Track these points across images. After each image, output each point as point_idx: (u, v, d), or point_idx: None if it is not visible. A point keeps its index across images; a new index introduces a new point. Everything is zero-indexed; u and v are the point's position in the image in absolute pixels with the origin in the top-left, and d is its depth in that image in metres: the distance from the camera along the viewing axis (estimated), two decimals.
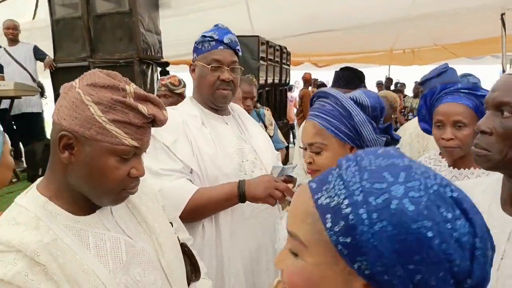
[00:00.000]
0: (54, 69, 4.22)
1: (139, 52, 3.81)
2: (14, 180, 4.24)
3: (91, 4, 3.91)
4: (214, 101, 1.45)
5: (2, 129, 4.25)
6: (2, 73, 4.27)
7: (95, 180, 0.78)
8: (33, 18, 6.32)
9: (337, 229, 0.47)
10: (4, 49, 4.51)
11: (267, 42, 4.90)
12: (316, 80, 9.45)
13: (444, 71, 1.91)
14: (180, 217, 1.21)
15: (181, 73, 6.85)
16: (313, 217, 0.50)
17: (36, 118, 4.66)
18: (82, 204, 0.82)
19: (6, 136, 1.26)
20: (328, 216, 0.48)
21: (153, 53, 4.07)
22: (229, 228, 1.37)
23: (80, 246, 0.77)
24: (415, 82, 7.08)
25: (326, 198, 0.49)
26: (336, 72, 2.33)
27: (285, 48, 6.03)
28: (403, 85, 9.92)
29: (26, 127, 4.53)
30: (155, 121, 0.81)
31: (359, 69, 2.40)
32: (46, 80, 4.88)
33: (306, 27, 5.99)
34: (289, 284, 0.53)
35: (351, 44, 7.71)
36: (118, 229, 0.86)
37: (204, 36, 1.43)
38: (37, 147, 4.23)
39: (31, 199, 0.79)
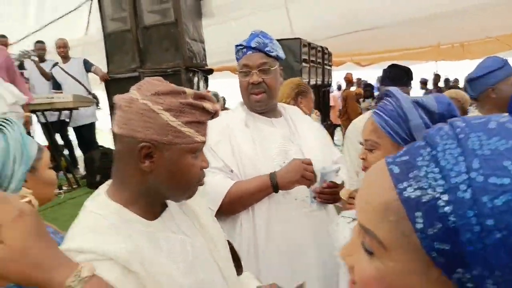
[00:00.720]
0: (108, 80, 4.49)
1: (185, 61, 3.95)
2: (74, 186, 4.55)
3: (139, 16, 4.11)
4: (251, 106, 1.49)
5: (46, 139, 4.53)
6: (61, 89, 4.61)
7: (177, 180, 0.82)
8: (85, 33, 6.77)
9: (431, 232, 0.37)
10: (59, 66, 4.85)
11: (309, 44, 4.90)
12: (359, 79, 9.26)
13: (506, 62, 1.82)
14: (219, 210, 1.27)
15: (224, 79, 7.02)
16: (396, 213, 0.40)
17: (92, 128, 4.97)
18: (152, 209, 0.85)
19: (45, 150, 1.24)
20: (419, 214, 0.38)
21: (198, 61, 4.20)
22: (265, 228, 1.39)
23: (156, 250, 0.80)
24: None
25: (415, 190, 0.39)
26: (384, 70, 2.30)
27: (326, 49, 5.99)
28: (457, 81, 9.32)
29: (84, 136, 4.84)
30: (214, 115, 0.86)
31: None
32: (98, 91, 5.21)
33: (347, 26, 5.92)
34: (362, 286, 0.46)
35: (395, 41, 7.50)
36: (180, 231, 0.89)
37: (237, 46, 1.50)
38: (95, 155, 4.51)
39: (104, 206, 0.81)
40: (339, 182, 1.39)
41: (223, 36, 4.63)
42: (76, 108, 4.51)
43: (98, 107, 5.00)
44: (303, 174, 1.33)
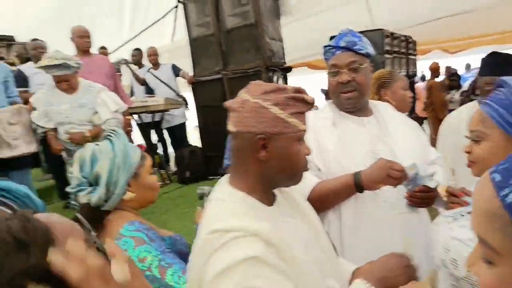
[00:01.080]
0: (194, 83, 4.81)
1: (265, 61, 4.08)
2: (167, 182, 4.97)
3: (221, 21, 4.34)
4: (341, 105, 1.48)
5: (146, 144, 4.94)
6: (153, 94, 5.06)
7: (289, 165, 0.93)
8: (172, 40, 7.27)
9: None
10: (151, 72, 5.30)
11: (391, 34, 4.70)
12: (449, 67, 8.55)
13: None
14: None
15: (302, 75, 7.02)
16: (501, 220, 0.41)
17: (182, 127, 5.36)
18: (268, 196, 0.96)
19: (148, 158, 1.29)
20: None
21: (277, 60, 4.30)
22: (352, 228, 1.37)
23: (280, 232, 0.88)
24: None
25: None
26: (482, 58, 2.13)
27: (410, 37, 5.66)
28: None
29: (176, 135, 5.24)
30: (312, 106, 0.96)
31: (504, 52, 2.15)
32: (186, 93, 5.59)
33: (432, 12, 5.54)
34: None
35: (488, 24, 6.80)
36: (292, 216, 0.98)
37: (325, 47, 1.48)
38: (184, 153, 4.86)
39: (231, 194, 0.91)
40: (433, 186, 1.31)
41: (300, 33, 4.66)
42: (167, 110, 4.90)
43: (187, 108, 5.38)
44: (389, 173, 1.26)
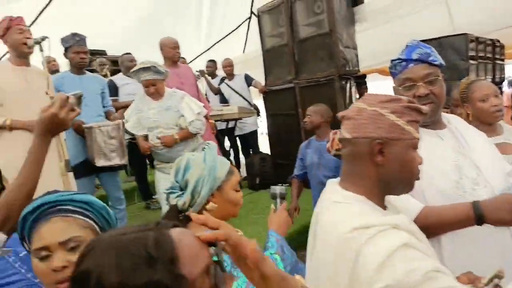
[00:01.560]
0: (266, 93, 4.92)
1: (338, 69, 4.04)
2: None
3: (295, 31, 4.39)
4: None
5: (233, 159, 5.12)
6: (227, 103, 5.28)
7: (403, 171, 0.96)
8: (243, 51, 7.52)
9: None
10: (225, 83, 5.52)
11: (476, 38, 4.39)
12: None
13: None
14: None
15: (374, 82, 6.82)
16: None
17: (254, 135, 5.50)
18: (382, 203, 1.01)
19: (236, 174, 1.34)
20: None
21: (350, 68, 4.23)
22: (451, 247, 1.28)
23: None
24: None
25: None
26: None
27: (498, 41, 5.23)
28: None
29: (248, 143, 5.39)
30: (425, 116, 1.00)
31: None
32: (257, 101, 5.75)
33: None
34: None
35: None
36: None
37: (393, 61, 1.43)
38: (254, 160, 4.97)
39: (350, 197, 0.96)
40: None
41: (376, 40, 4.56)
42: (240, 118, 5.07)
43: (259, 116, 5.51)
44: None
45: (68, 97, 1.18)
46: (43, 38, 2.49)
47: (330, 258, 0.89)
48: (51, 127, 1.17)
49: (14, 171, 2.62)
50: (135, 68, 2.94)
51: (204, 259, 0.62)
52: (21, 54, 2.65)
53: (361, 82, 4.56)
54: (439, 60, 1.38)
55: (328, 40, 4.06)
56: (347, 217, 0.90)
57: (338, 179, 1.10)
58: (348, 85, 4.27)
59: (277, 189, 1.51)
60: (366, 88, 4.64)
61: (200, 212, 1.29)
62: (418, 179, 0.99)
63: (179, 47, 3.77)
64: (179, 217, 1.28)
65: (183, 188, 1.30)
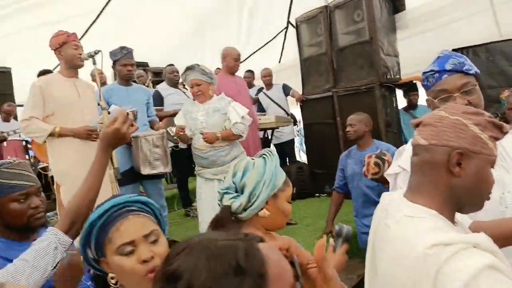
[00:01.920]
0: (303, 102, 4.91)
1: (379, 77, 3.97)
2: None
3: (334, 40, 4.38)
4: None
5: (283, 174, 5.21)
6: (265, 112, 5.32)
7: (478, 187, 0.92)
8: (279, 61, 7.56)
9: None
10: (263, 92, 5.57)
11: None
12: None
13: None
14: None
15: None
16: None
17: (291, 144, 5.50)
18: (453, 219, 0.95)
19: (290, 186, 1.34)
20: None
21: (391, 76, 4.15)
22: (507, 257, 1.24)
23: None
24: None
25: None
26: None
27: None
28: None
29: (284, 152, 5.39)
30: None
31: None
32: (294, 110, 5.75)
33: None
34: None
35: None
36: None
37: (425, 73, 1.39)
38: (291, 169, 4.95)
39: (422, 212, 0.90)
40: None
41: (419, 47, 4.45)
42: (277, 127, 5.08)
43: (296, 125, 5.50)
44: None
45: (128, 113, 1.29)
46: (97, 52, 2.63)
47: (403, 275, 0.85)
48: (113, 142, 1.27)
49: (64, 176, 2.78)
50: (184, 71, 3.11)
51: (289, 279, 0.62)
52: (73, 67, 2.82)
53: (409, 89, 4.45)
54: (474, 68, 1.34)
55: (368, 48, 4.01)
56: (422, 232, 0.85)
57: (397, 192, 1.06)
58: (389, 93, 4.20)
59: (345, 229, 1.40)
60: (417, 94, 4.52)
61: (252, 219, 1.30)
62: (488, 199, 0.94)
63: (240, 59, 3.85)
64: (231, 218, 1.29)
65: (238, 191, 1.30)
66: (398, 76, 4.28)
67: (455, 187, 0.90)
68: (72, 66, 2.82)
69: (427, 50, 4.41)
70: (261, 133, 5.25)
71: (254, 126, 3.76)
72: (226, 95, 3.23)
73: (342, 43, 4.31)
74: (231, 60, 3.75)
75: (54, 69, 4.76)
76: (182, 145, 3.29)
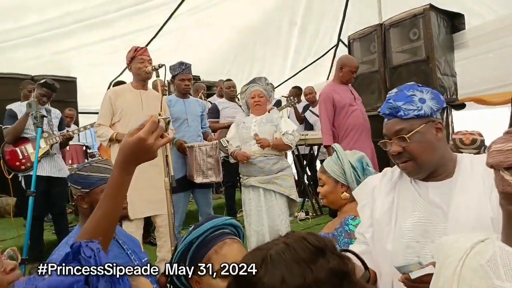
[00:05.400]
0: None
1: None
2: (318, 213, 5.06)
3: (387, 58, 4.33)
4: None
5: None
6: (313, 129, 5.32)
7: None
8: (327, 78, 7.56)
9: None
10: (310, 110, 5.60)
11: None
12: None
13: None
14: None
15: (470, 111, 6.36)
16: None
17: None
18: None
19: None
20: None
21: (448, 96, 4.03)
22: None
23: None
24: None
25: None
26: None
27: None
28: None
29: None
30: None
31: None
32: None
33: None
34: None
35: None
36: None
37: (378, 112, 1.35)
38: None
39: None
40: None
41: (477, 68, 4.30)
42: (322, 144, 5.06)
43: None
44: None
45: (159, 121, 0.97)
46: (160, 66, 2.78)
47: None
48: (136, 155, 0.94)
49: None
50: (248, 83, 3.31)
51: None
52: (140, 79, 3.02)
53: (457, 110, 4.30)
54: (417, 111, 1.20)
55: (424, 67, 3.93)
56: None
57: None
58: (445, 113, 4.07)
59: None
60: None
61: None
62: None
63: (356, 72, 3.79)
64: None
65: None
66: (455, 96, 4.15)
67: None
68: (139, 79, 3.03)
69: (484, 72, 4.26)
70: (307, 149, 5.26)
71: None
72: (342, 103, 3.42)
73: (396, 61, 4.26)
74: (348, 72, 3.67)
75: None
76: (232, 161, 3.38)
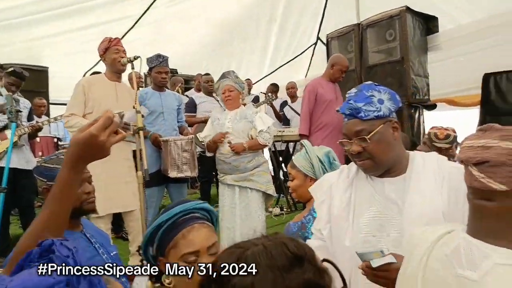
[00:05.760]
0: None
1: (408, 97, 3.96)
2: (293, 209, 5.10)
3: (364, 57, 4.40)
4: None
5: None
6: (289, 125, 5.35)
7: None
8: (305, 76, 7.62)
9: None
10: (288, 105, 5.65)
11: None
12: None
13: None
14: None
15: (441, 111, 6.56)
16: None
17: None
18: None
19: None
20: None
21: (420, 97, 4.14)
22: None
23: None
24: None
25: None
26: None
27: None
28: None
29: None
30: None
31: None
32: None
33: None
34: None
35: None
36: None
37: (337, 110, 1.37)
38: None
39: None
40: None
41: (450, 70, 4.42)
42: (299, 140, 5.10)
43: None
44: None
45: (113, 116, 0.88)
46: (136, 58, 2.72)
47: None
48: (87, 153, 0.86)
49: (102, 176, 2.86)
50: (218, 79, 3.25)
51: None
52: (115, 71, 2.94)
53: (429, 110, 4.43)
54: (376, 112, 1.24)
55: (399, 67, 4.01)
56: None
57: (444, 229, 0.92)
58: (416, 113, 4.18)
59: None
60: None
61: None
62: None
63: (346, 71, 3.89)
64: None
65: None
66: (427, 97, 4.26)
67: None
68: (114, 70, 2.96)
69: (456, 74, 4.39)
70: (283, 145, 5.29)
71: None
72: (324, 99, 3.41)
73: (372, 61, 4.33)
74: (338, 70, 3.80)
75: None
76: (209, 154, 3.35)
